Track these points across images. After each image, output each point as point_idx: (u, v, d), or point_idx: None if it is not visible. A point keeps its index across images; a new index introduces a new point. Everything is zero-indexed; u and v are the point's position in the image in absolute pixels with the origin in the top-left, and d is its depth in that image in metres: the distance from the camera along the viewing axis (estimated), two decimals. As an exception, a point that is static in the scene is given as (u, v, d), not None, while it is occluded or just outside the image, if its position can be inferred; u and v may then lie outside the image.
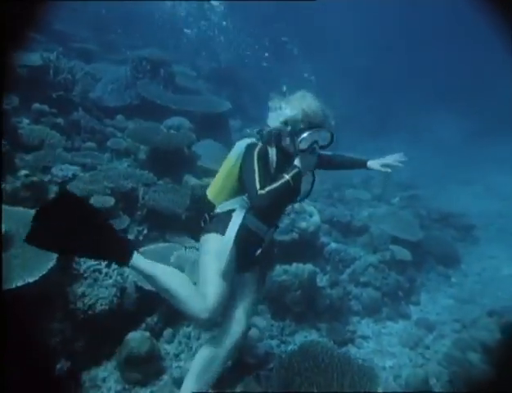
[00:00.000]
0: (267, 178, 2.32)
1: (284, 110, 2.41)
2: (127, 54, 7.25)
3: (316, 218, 5.02)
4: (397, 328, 4.97)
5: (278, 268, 4.53)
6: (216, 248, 2.37)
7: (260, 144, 2.46)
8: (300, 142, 2.34)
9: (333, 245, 5.65)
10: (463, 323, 4.89)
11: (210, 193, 2.61)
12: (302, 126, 2.37)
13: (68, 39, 7.95)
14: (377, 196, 8.20)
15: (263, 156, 2.40)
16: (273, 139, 2.46)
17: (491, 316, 4.27)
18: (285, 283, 4.45)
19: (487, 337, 3.95)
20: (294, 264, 4.52)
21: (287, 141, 2.42)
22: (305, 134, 2.33)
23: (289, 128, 2.39)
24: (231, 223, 2.39)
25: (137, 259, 2.18)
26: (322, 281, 4.94)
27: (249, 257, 2.52)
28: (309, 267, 4.53)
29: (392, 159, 2.84)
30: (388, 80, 15.66)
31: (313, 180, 2.61)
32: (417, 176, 10.08)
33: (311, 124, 2.37)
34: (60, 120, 4.71)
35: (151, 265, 2.22)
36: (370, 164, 2.85)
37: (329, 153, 2.81)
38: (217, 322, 2.47)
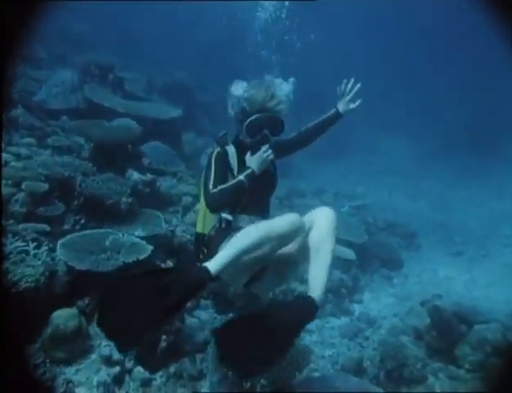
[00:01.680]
0: (225, 178, 2.25)
1: (233, 92, 2.32)
2: (74, 58, 7.18)
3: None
4: (340, 323, 5.08)
5: (221, 262, 4.55)
6: None
7: (218, 148, 2.36)
8: (247, 130, 2.26)
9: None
10: (400, 316, 5.06)
11: (199, 229, 2.42)
12: (249, 111, 2.26)
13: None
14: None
15: (221, 157, 2.31)
16: (229, 137, 2.41)
17: (423, 306, 4.48)
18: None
19: (418, 323, 4.13)
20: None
21: (243, 132, 2.32)
22: (251, 118, 2.24)
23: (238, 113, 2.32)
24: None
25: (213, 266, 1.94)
26: (265, 276, 4.97)
27: None
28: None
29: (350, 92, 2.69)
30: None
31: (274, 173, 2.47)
32: (367, 191, 10.53)
33: (256, 108, 2.25)
34: (-5, 115, 4.56)
35: (224, 255, 1.99)
36: (341, 109, 2.70)
37: (291, 135, 2.64)
38: None
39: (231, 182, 2.20)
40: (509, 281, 6.36)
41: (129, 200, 4.15)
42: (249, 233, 2.01)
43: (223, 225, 2.28)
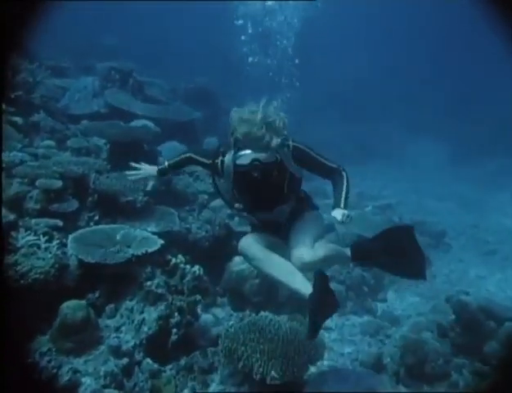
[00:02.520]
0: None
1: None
2: (95, 64, 7.37)
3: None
4: (361, 321, 4.91)
5: (237, 259, 4.49)
6: None
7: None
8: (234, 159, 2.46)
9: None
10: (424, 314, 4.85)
11: None
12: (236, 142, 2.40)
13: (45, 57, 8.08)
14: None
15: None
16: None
17: (447, 302, 4.26)
18: (243, 273, 4.41)
19: (442, 319, 3.94)
20: (253, 253, 4.47)
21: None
22: (239, 153, 2.41)
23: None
24: None
25: None
26: (283, 273, 4.88)
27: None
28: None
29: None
30: (373, 107, 16.07)
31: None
32: (394, 193, 10.31)
33: (243, 143, 2.37)
34: (17, 119, 4.72)
35: None
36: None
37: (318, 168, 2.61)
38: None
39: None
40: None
41: (143, 197, 4.17)
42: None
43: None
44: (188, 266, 3.51)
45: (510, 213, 9.00)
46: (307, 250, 2.53)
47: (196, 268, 3.50)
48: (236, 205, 2.65)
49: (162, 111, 6.49)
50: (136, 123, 5.56)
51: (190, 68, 12.49)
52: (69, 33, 11.47)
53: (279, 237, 2.75)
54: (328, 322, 4.76)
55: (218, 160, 2.54)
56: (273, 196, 2.62)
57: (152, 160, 5.14)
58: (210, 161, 2.60)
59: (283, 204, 2.67)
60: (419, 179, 11.36)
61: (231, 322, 3.63)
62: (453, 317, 3.88)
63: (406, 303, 5.60)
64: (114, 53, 10.78)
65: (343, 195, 2.56)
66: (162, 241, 3.54)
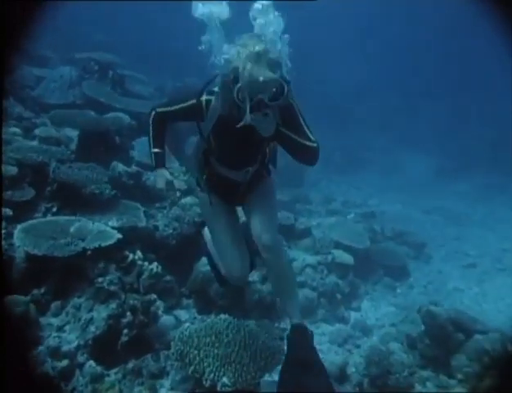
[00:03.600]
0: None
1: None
2: (75, 55, 7.16)
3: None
4: (331, 329, 4.76)
5: (204, 259, 4.31)
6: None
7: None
8: (238, 96, 1.97)
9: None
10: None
11: None
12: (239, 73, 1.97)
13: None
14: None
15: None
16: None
17: (418, 312, 4.12)
18: (210, 274, 4.21)
19: (412, 329, 3.80)
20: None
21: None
22: (239, 85, 1.95)
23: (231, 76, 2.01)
24: None
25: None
26: (253, 276, 4.71)
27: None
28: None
29: None
30: (364, 119, 16.06)
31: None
32: (380, 202, 10.25)
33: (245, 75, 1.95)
34: (-19, 103, 4.50)
35: None
36: None
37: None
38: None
39: None
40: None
41: (107, 190, 3.98)
42: None
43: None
44: (146, 263, 3.33)
45: (493, 227, 8.93)
46: (272, 236, 2.44)
47: (154, 265, 3.32)
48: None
49: (141, 106, 6.27)
50: (109, 115, 5.35)
51: (180, 68, 12.33)
52: (60, 29, 11.26)
53: (233, 200, 2.62)
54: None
55: (203, 99, 2.19)
56: (250, 153, 2.39)
57: (122, 154, 4.98)
58: (194, 101, 2.20)
59: (253, 165, 2.45)
60: (406, 190, 11.31)
61: (186, 325, 3.43)
62: (423, 328, 3.75)
63: (381, 313, 5.48)
64: (103, 49, 10.62)
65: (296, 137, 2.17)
66: (119, 236, 3.34)
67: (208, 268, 4.25)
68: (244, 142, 2.25)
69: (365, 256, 6.21)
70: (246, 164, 2.43)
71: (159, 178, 2.45)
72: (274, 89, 1.97)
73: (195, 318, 4.15)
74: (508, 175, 11.59)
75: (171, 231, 4.30)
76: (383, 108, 16.39)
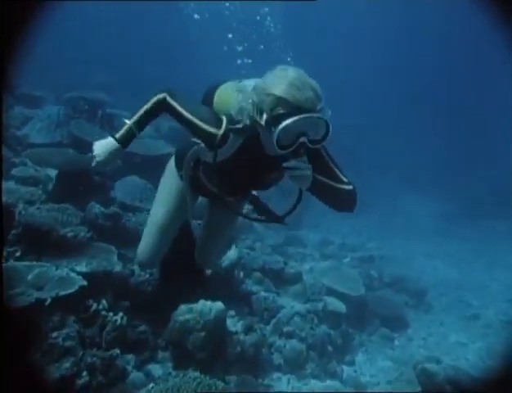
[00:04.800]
0: None
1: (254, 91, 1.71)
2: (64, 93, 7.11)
3: (233, 252, 4.61)
4: (322, 386, 4.37)
5: (182, 307, 4.01)
6: None
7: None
8: (278, 139, 1.62)
9: (262, 293, 5.17)
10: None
11: None
12: (279, 110, 1.61)
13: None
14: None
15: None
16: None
17: (414, 369, 3.77)
18: (188, 324, 3.91)
19: (406, 388, 3.45)
20: (201, 301, 4.00)
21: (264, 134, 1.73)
22: (288, 121, 1.58)
23: (263, 117, 1.65)
24: None
25: None
26: (236, 325, 4.39)
27: None
28: (218, 305, 4.01)
29: None
30: (364, 158, 16.04)
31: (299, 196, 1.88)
32: (380, 246, 9.96)
33: (292, 107, 1.60)
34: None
35: None
36: None
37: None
38: None
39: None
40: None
41: (82, 232, 3.75)
42: None
43: None
44: (111, 314, 3.04)
45: (497, 277, 8.58)
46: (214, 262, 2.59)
47: (119, 316, 3.02)
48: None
49: (131, 145, 6.15)
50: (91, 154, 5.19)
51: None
52: (57, 68, 11.42)
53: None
54: (283, 387, 4.27)
55: (223, 132, 1.84)
56: (253, 187, 2.23)
57: (102, 194, 4.79)
58: (213, 129, 1.85)
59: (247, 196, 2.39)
60: (407, 234, 11.02)
61: (151, 385, 3.10)
62: (419, 388, 3.40)
63: (377, 368, 5.10)
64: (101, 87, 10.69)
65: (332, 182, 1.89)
66: (83, 283, 3.07)
67: (186, 316, 3.99)
68: (253, 179, 2.02)
69: (360, 304, 5.88)
70: (240, 195, 2.26)
71: (105, 147, 1.97)
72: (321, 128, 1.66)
73: (169, 373, 3.80)
74: (512, 221, 11.33)
75: (147, 276, 4.03)
76: (383, 146, 16.34)
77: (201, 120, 1.87)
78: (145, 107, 1.96)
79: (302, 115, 1.57)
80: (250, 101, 1.70)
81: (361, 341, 5.54)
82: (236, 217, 2.56)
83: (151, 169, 6.07)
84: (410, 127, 17.42)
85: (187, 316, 3.93)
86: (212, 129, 1.85)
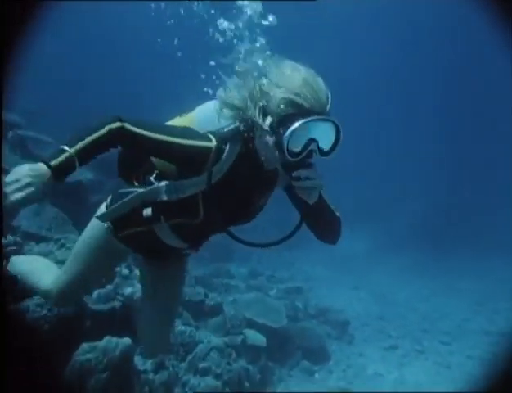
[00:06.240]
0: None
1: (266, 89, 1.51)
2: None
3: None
4: (235, 427, 4.19)
5: (84, 345, 3.67)
6: None
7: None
8: (289, 145, 1.46)
9: (179, 327, 4.92)
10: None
11: None
12: (290, 111, 1.45)
13: None
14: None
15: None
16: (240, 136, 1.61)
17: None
18: (89, 364, 3.58)
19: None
20: (106, 338, 3.69)
21: (266, 139, 1.52)
22: (296, 124, 1.42)
23: (267, 119, 1.49)
24: None
25: None
26: (145, 364, 4.10)
27: None
28: (125, 341, 3.71)
29: None
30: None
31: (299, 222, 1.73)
32: (306, 277, 10.12)
33: (304, 108, 1.44)
34: None
35: None
36: None
37: None
38: None
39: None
40: (440, 381, 5.74)
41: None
42: None
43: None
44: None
45: (416, 307, 8.96)
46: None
47: None
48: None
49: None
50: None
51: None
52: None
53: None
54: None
55: (219, 146, 1.58)
56: (238, 218, 1.83)
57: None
58: (209, 143, 1.58)
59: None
60: (337, 266, 11.31)
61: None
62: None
63: (294, 404, 5.00)
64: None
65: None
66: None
67: (87, 356, 3.65)
68: (244, 205, 1.76)
69: (282, 336, 5.82)
70: (210, 235, 1.92)
71: (31, 176, 1.39)
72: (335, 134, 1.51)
73: (64, 420, 3.44)
74: (433, 254, 12.03)
75: (45, 311, 3.65)
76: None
77: (184, 138, 1.57)
78: (94, 136, 1.49)
79: (315, 117, 1.43)
80: (249, 102, 1.51)
81: (281, 376, 5.45)
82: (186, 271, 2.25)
83: (64, 195, 5.72)
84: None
85: (88, 355, 3.60)
86: (204, 143, 1.58)
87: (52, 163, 1.44)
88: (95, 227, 1.95)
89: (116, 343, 3.70)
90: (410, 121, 21.63)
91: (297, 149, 1.47)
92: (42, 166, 1.43)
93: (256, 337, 5.15)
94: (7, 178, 1.39)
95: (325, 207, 1.70)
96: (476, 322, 7.96)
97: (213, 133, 1.62)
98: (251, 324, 5.44)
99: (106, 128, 1.51)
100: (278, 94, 1.45)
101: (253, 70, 1.58)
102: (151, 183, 1.73)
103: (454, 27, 17.48)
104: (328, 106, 1.48)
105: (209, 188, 1.57)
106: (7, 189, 1.37)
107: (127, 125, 1.53)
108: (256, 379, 4.85)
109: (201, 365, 4.50)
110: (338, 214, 1.76)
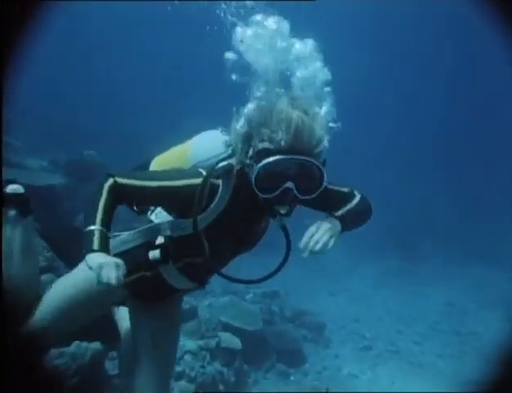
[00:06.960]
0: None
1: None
2: None
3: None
4: (209, 429, 4.17)
5: (54, 351, 3.61)
6: None
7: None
8: (258, 180, 1.46)
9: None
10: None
11: None
12: (266, 146, 1.44)
13: None
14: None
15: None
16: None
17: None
18: (58, 370, 3.51)
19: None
20: (76, 343, 3.63)
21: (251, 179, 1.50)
22: (271, 159, 1.42)
23: (250, 150, 1.51)
24: None
25: None
26: (116, 369, 4.04)
27: None
28: (95, 346, 3.66)
29: None
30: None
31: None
32: (284, 281, 10.12)
33: (281, 146, 1.42)
34: None
35: None
36: None
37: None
38: None
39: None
40: (412, 381, 5.85)
41: None
42: None
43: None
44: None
45: (391, 309, 9.09)
46: None
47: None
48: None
49: (16, 175, 5.66)
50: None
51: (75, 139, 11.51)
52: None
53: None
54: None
55: (210, 181, 1.56)
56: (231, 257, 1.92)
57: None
58: (197, 180, 1.55)
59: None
60: (314, 271, 11.36)
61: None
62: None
63: (268, 406, 5.01)
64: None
65: (347, 207, 1.74)
66: None
67: (57, 361, 3.57)
68: (244, 238, 1.81)
69: (257, 339, 5.82)
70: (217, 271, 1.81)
71: (105, 268, 1.34)
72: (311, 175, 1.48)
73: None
74: (409, 259, 12.25)
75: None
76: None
77: (172, 179, 1.57)
78: (101, 203, 1.48)
79: (288, 156, 1.39)
80: (241, 133, 1.51)
81: (256, 379, 5.46)
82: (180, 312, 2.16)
83: (34, 198, 5.62)
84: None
85: (58, 361, 3.53)
86: (192, 180, 1.56)
87: (95, 247, 1.41)
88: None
89: (86, 348, 3.65)
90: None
91: (269, 186, 1.46)
92: (95, 256, 1.39)
93: (231, 340, 5.14)
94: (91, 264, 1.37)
95: (337, 197, 1.75)
96: (446, 323, 8.16)
97: (204, 166, 1.62)
98: (226, 327, 5.42)
99: (105, 188, 1.51)
100: (261, 127, 1.45)
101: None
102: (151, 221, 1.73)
103: (454, 27, 17.86)
104: (315, 149, 1.44)
105: (209, 225, 1.60)
106: (103, 273, 1.34)
107: (118, 179, 1.53)
108: (231, 381, 4.84)
109: (176, 369, 4.48)
110: (358, 195, 1.80)
